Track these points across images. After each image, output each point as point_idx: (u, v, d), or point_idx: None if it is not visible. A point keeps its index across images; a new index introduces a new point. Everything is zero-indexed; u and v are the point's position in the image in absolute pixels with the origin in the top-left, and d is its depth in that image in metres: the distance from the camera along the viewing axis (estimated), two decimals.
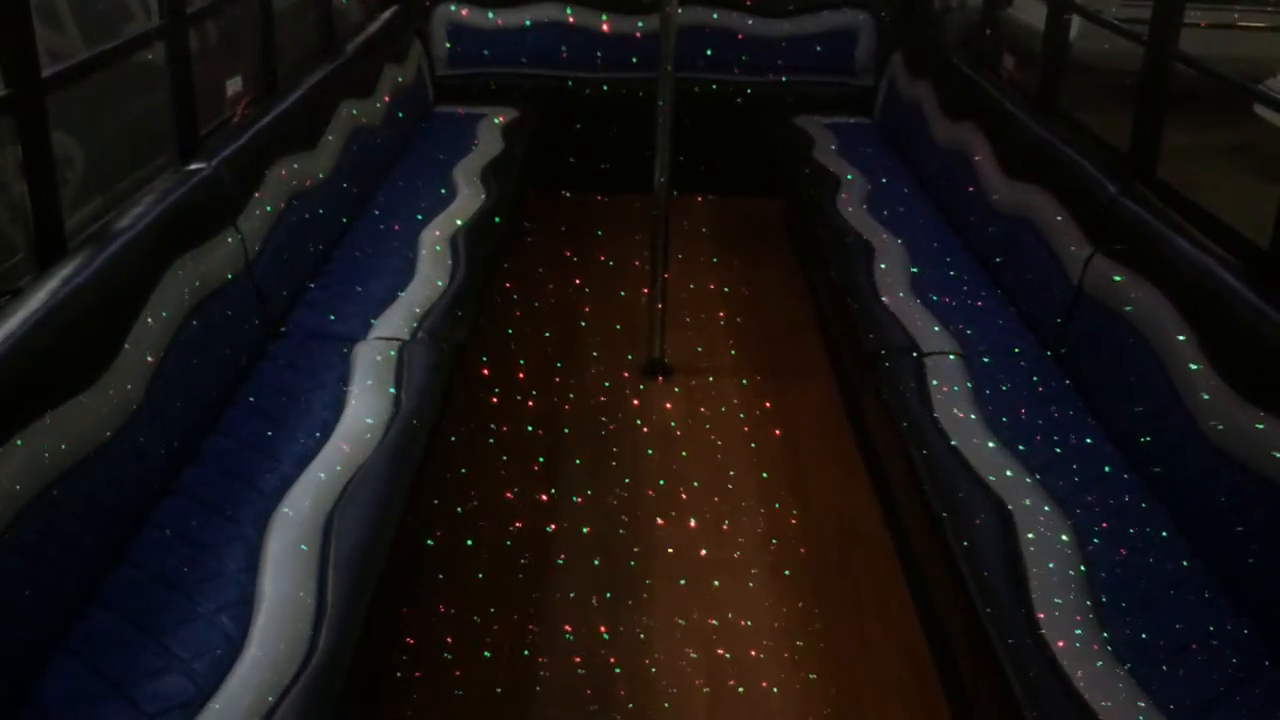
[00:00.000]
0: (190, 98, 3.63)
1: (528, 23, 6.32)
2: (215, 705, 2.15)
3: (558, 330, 4.77)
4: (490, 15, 6.32)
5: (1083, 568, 2.60)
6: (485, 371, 4.28)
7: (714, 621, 3.20)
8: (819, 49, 6.33)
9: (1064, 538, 2.69)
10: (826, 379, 4.45)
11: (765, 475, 3.87)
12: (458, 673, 2.98)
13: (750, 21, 6.33)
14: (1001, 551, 2.65)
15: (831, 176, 5.15)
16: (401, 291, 3.89)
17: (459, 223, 4.48)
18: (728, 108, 6.11)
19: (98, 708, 2.12)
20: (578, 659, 3.05)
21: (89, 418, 2.46)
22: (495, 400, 4.21)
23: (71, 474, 2.36)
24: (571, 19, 6.29)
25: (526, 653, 3.06)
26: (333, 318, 3.70)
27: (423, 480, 3.05)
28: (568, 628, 3.16)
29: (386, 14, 5.82)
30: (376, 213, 4.59)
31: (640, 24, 6.20)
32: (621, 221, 5.58)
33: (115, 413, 2.56)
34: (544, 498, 3.70)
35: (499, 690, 2.95)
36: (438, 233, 4.37)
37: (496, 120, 5.78)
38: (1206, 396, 2.75)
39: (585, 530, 3.56)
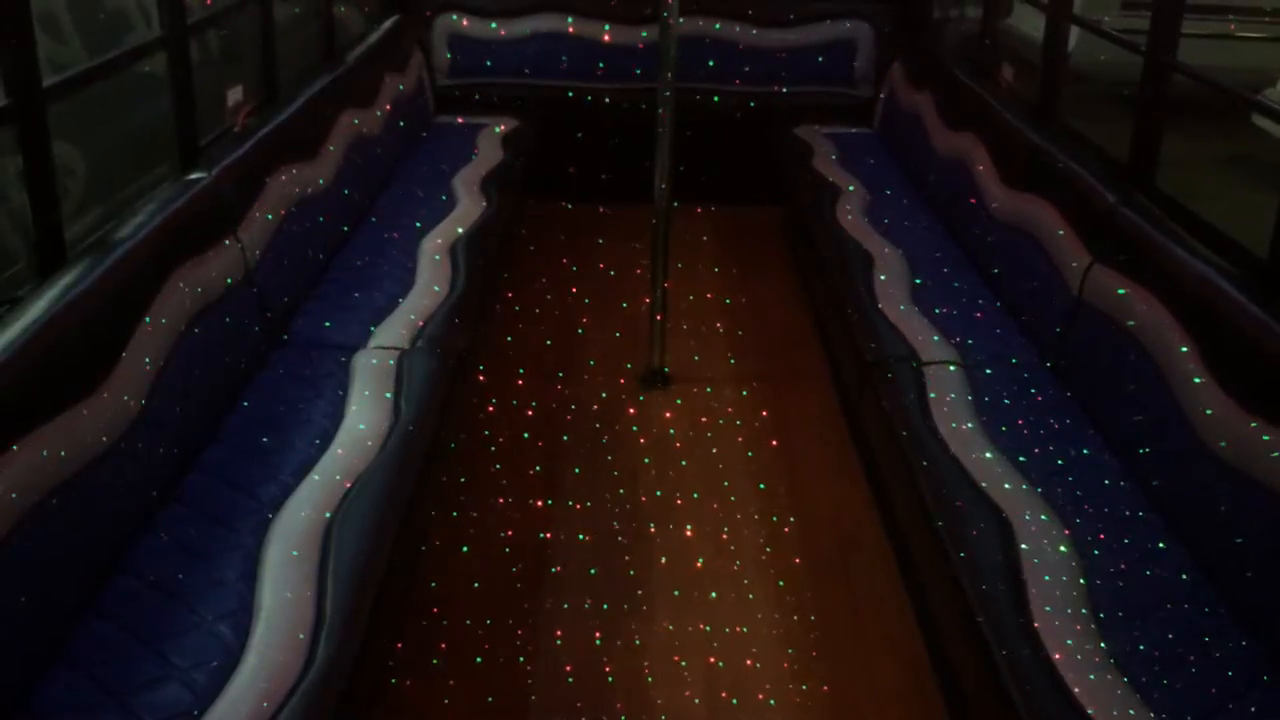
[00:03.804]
0: (191, 107, 3.63)
1: (528, 33, 6.33)
2: (214, 714, 2.14)
3: (557, 339, 4.77)
4: (491, 25, 6.33)
5: (1082, 578, 2.59)
6: (485, 381, 4.28)
7: (711, 630, 3.19)
8: (819, 59, 6.34)
9: (1063, 548, 2.69)
10: (826, 388, 4.45)
11: (764, 484, 3.87)
12: (455, 682, 2.98)
13: (751, 32, 6.34)
14: (1001, 562, 2.65)
15: (831, 186, 5.16)
16: (401, 301, 3.90)
17: (459, 232, 4.49)
18: (728, 118, 6.12)
19: (96, 717, 2.12)
20: (574, 668, 3.04)
21: (88, 426, 2.46)
22: (495, 409, 4.21)
23: (71, 482, 2.36)
24: (572, 29, 6.30)
25: (523, 661, 3.06)
26: (332, 327, 3.70)
27: (422, 489, 3.05)
28: (565, 637, 3.15)
29: (387, 24, 5.84)
30: (376, 222, 4.59)
31: (641, 34, 6.21)
32: (622, 231, 5.58)
33: (115, 421, 2.56)
34: (542, 506, 3.70)
35: (495, 700, 2.94)
36: (438, 242, 4.38)
37: (497, 130, 5.79)
38: (1206, 407, 2.75)
39: (583, 539, 3.55)
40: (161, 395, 2.79)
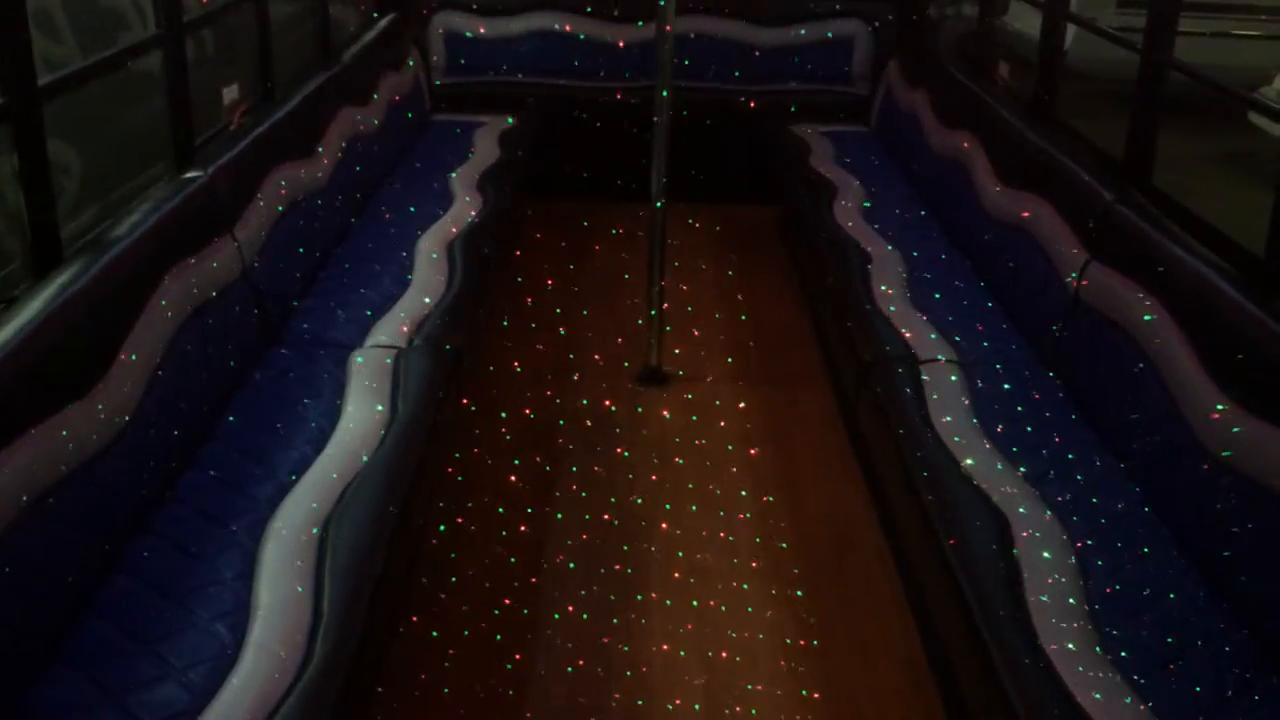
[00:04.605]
0: (187, 106, 3.63)
1: (525, 31, 6.32)
2: (211, 713, 2.14)
3: (554, 338, 4.77)
4: (488, 24, 6.32)
5: (1078, 576, 2.60)
6: (482, 379, 4.28)
7: (710, 629, 3.19)
8: (816, 58, 6.34)
9: (1060, 546, 2.69)
10: (823, 387, 4.45)
11: (761, 483, 3.86)
12: (454, 680, 2.98)
13: (747, 30, 6.33)
14: (998, 559, 2.65)
15: (828, 185, 5.16)
16: (398, 299, 3.89)
17: (456, 231, 4.48)
18: (724, 116, 6.11)
19: (93, 717, 2.12)
20: (574, 666, 3.04)
21: (84, 426, 2.45)
22: (491, 407, 4.20)
23: (67, 482, 2.36)
24: (568, 28, 6.30)
25: (520, 658, 3.06)
26: (329, 325, 3.70)
27: (419, 488, 3.05)
28: (561, 635, 3.15)
29: (384, 22, 5.83)
30: (373, 221, 4.59)
31: (637, 33, 6.21)
32: (618, 230, 5.58)
33: (110, 421, 2.56)
34: (539, 504, 3.70)
35: (493, 697, 2.94)
36: (434, 241, 4.37)
37: (493, 128, 5.78)
38: (1202, 405, 2.75)
39: (582, 537, 3.55)
40: (157, 394, 2.79)
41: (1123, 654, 2.37)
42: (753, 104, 6.15)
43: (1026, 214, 3.95)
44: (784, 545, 3.56)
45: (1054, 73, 4.59)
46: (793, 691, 2.99)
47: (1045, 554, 2.66)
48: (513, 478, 3.83)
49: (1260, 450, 2.54)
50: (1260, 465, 2.52)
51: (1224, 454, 2.64)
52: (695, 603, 3.30)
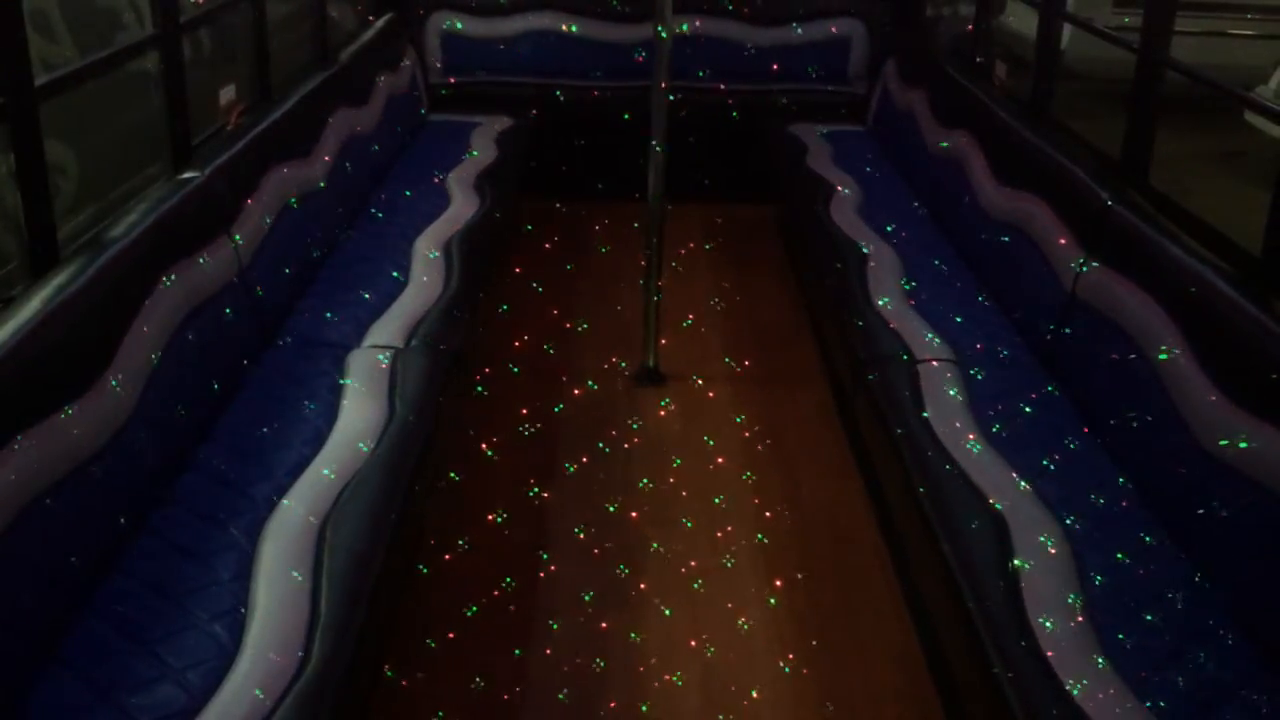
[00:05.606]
0: (184, 106, 3.63)
1: (522, 30, 6.33)
2: (209, 714, 2.14)
3: (552, 337, 4.77)
4: (484, 24, 6.33)
5: (1075, 574, 2.60)
6: (479, 378, 4.28)
7: (706, 627, 3.20)
8: (813, 57, 6.35)
9: (1057, 544, 2.69)
10: (820, 385, 4.46)
11: (759, 481, 3.87)
12: (450, 678, 2.98)
13: (744, 30, 6.34)
14: (995, 558, 2.66)
15: (825, 184, 5.16)
16: (395, 299, 3.90)
17: (453, 231, 4.48)
18: (721, 116, 6.12)
19: (91, 717, 2.12)
20: (569, 664, 3.04)
21: (82, 426, 2.45)
22: (489, 407, 4.21)
23: (65, 482, 2.36)
24: (565, 27, 6.30)
25: (518, 656, 3.06)
26: (327, 325, 3.70)
27: (417, 488, 3.05)
28: (559, 633, 3.15)
29: (380, 22, 5.83)
30: (371, 221, 4.59)
31: (635, 32, 6.21)
32: (616, 229, 5.58)
33: (108, 421, 2.56)
34: (537, 504, 3.70)
35: (491, 695, 2.94)
36: (432, 241, 4.37)
37: (490, 128, 5.78)
38: (1199, 403, 2.76)
39: (579, 536, 3.55)
40: (155, 394, 2.79)
41: (1119, 651, 2.37)
42: (750, 103, 6.15)
43: (1023, 213, 3.95)
44: (781, 543, 3.56)
45: (1051, 72, 4.60)
46: (789, 690, 3.00)
47: (1042, 551, 2.66)
48: (510, 478, 3.84)
49: (1256, 448, 2.54)
50: (1256, 463, 2.53)
51: (1221, 452, 2.64)
52: (693, 600, 3.30)
